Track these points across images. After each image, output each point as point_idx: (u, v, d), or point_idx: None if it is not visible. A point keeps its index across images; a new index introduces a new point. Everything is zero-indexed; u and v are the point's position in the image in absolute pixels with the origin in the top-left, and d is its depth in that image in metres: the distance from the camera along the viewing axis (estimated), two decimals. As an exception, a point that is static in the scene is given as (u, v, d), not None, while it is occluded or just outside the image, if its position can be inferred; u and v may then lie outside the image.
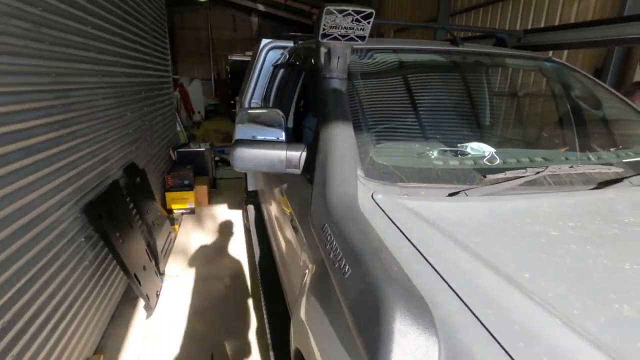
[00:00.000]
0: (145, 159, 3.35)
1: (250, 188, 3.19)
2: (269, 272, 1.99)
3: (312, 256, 1.08)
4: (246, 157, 1.18)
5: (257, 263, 2.21)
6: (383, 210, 0.84)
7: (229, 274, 2.89)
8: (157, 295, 2.54)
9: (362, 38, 1.03)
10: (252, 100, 3.11)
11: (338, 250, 0.72)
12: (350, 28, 1.02)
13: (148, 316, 2.35)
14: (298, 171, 1.22)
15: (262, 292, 1.86)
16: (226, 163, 6.21)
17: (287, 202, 1.46)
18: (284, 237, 1.52)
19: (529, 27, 4.23)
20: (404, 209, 0.85)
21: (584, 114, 1.48)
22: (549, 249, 0.74)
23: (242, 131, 1.22)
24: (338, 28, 1.03)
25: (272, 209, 2.09)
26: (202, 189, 4.30)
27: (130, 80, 3.00)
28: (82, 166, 2.01)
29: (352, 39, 1.02)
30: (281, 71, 2.84)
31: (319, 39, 1.02)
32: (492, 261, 0.68)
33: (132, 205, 2.71)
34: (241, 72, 10.53)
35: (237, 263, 3.05)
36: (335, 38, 1.02)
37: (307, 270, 1.12)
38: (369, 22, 1.03)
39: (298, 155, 1.20)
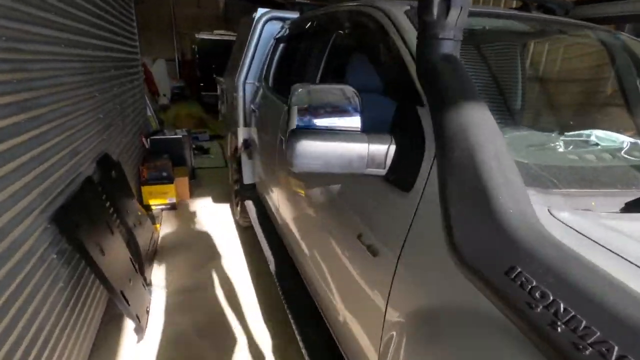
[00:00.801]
0: (118, 148, 2.85)
1: (247, 181, 2.81)
2: (296, 289, 1.65)
3: (422, 295, 0.78)
4: (313, 154, 0.85)
5: (273, 273, 1.88)
6: (595, 242, 0.55)
7: (228, 280, 2.53)
8: (147, 312, 2.15)
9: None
10: (247, 81, 2.71)
11: (583, 323, 0.42)
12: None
13: (139, 340, 1.96)
14: (382, 172, 0.90)
15: (292, 318, 1.52)
16: (202, 151, 5.70)
17: (346, 209, 1.13)
18: (336, 254, 1.20)
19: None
20: (621, 237, 0.56)
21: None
22: None
23: (304, 116, 0.87)
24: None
25: (294, 210, 1.76)
26: (183, 181, 3.84)
27: (99, 54, 2.48)
28: (48, 161, 1.55)
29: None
30: (285, 45, 2.45)
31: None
32: None
33: (109, 204, 2.25)
34: (211, 52, 9.75)
35: (236, 267, 2.68)
36: (464, -23, 0.70)
37: (405, 310, 0.81)
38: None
39: (384, 150, 0.88)
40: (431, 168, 0.80)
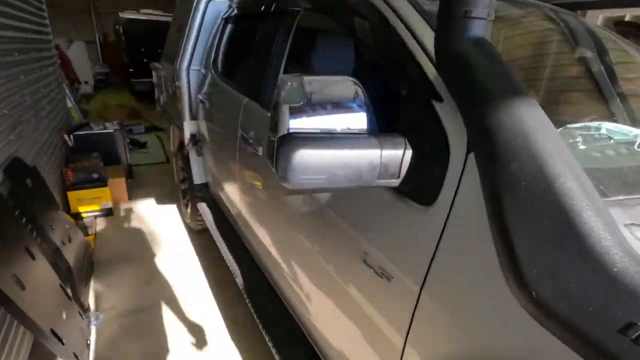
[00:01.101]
0: (32, 149, 2.38)
1: (198, 180, 2.50)
2: (272, 306, 1.46)
3: (462, 338, 0.64)
4: (314, 166, 0.66)
5: (241, 287, 1.66)
6: None
7: (183, 295, 2.24)
8: (88, 346, 1.81)
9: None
10: (192, 67, 2.38)
11: None
12: None
13: (80, 382, 1.64)
14: (396, 182, 0.74)
15: (271, 341, 1.32)
16: (138, 145, 5.13)
17: (340, 221, 0.96)
18: (329, 273, 1.03)
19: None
20: None
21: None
22: None
23: (296, 117, 0.68)
24: None
25: (264, 216, 1.55)
26: (119, 182, 3.38)
27: (-4, 33, 1.99)
28: None
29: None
30: (237, 26, 2.17)
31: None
32: None
33: (25, 221, 1.84)
34: (140, 34, 8.83)
35: (191, 278, 2.40)
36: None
37: (434, 354, 0.68)
38: None
39: (399, 156, 0.71)
40: (461, 177, 0.66)
